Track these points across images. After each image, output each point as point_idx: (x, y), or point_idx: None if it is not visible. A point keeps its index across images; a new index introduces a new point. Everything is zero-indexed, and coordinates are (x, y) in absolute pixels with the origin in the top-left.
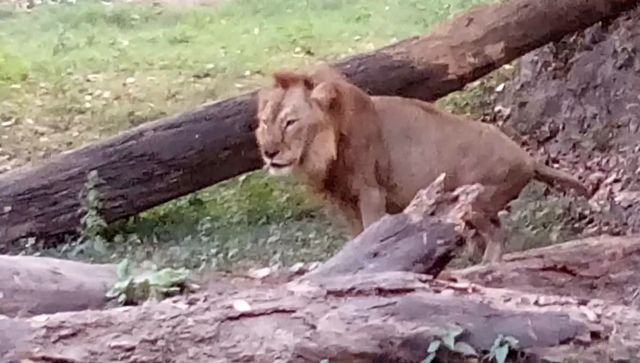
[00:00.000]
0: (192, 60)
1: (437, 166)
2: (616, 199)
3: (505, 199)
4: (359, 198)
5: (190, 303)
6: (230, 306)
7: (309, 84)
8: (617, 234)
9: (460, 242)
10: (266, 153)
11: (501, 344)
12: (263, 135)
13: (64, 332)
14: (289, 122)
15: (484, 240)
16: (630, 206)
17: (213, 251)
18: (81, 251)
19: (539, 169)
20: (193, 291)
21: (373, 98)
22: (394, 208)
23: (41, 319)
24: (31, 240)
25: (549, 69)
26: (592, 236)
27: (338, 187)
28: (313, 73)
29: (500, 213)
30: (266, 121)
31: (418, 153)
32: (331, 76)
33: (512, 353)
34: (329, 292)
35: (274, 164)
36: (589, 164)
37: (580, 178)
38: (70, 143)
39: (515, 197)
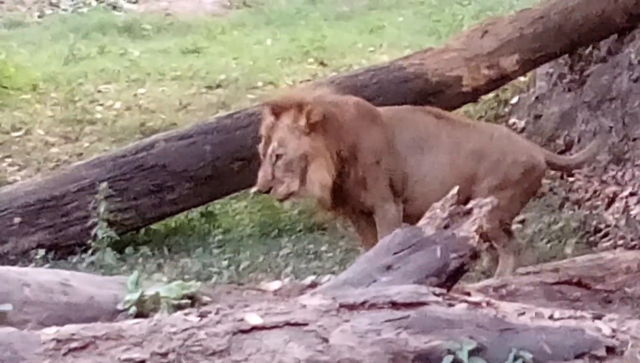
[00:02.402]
0: (204, 71)
1: (451, 173)
2: (632, 212)
3: (523, 201)
4: (375, 212)
5: (202, 315)
6: (242, 319)
7: (300, 109)
8: (633, 248)
9: (474, 255)
10: (259, 191)
11: (515, 358)
12: (259, 171)
13: (73, 345)
14: (277, 157)
15: (498, 253)
16: None
17: (224, 263)
18: (92, 263)
19: (552, 160)
20: (204, 304)
21: (382, 109)
22: (411, 219)
23: (51, 331)
24: (41, 252)
25: (564, 81)
26: (608, 250)
27: (352, 203)
28: (306, 96)
29: (514, 226)
30: (261, 157)
31: (431, 161)
32: (327, 95)
33: None
34: (341, 305)
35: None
36: (604, 177)
37: (595, 191)
38: (81, 154)
39: (534, 193)
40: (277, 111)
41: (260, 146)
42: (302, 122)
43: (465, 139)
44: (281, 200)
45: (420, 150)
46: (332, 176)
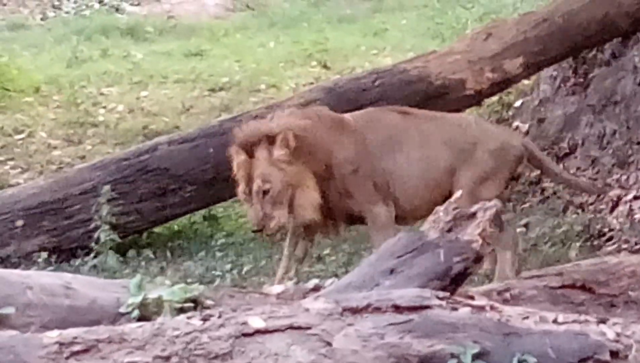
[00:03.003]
0: (207, 73)
1: (427, 167)
2: (636, 216)
3: (501, 186)
4: (366, 217)
5: (205, 319)
6: (245, 323)
7: (271, 140)
8: (637, 251)
9: (478, 259)
10: (253, 232)
11: (519, 362)
12: (248, 212)
13: (76, 348)
14: (264, 193)
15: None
16: None
17: (227, 267)
18: (94, 266)
19: (530, 148)
20: (207, 308)
21: (349, 115)
22: (397, 219)
23: (53, 334)
24: (44, 255)
25: (568, 84)
26: (612, 254)
27: (341, 213)
28: (273, 126)
29: (518, 229)
30: (245, 198)
31: (405, 159)
32: (290, 118)
33: None
34: (344, 309)
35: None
36: (608, 181)
37: (599, 195)
38: (84, 157)
39: (517, 179)
40: (248, 147)
41: (240, 188)
42: (279, 152)
43: (434, 132)
44: (271, 234)
45: (392, 149)
46: (319, 195)
